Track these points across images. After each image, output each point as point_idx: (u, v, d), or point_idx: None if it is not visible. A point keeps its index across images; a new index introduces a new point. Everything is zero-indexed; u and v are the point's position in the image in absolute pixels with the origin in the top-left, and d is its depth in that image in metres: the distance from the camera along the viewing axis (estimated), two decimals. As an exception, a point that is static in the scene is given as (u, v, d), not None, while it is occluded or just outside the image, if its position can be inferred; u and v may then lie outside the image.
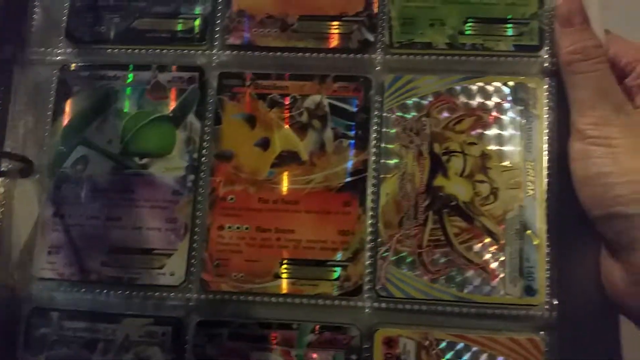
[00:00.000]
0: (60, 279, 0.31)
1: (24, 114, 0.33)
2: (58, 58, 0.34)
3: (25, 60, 0.34)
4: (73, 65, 0.33)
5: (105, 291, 0.31)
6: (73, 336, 0.31)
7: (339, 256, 0.30)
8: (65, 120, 0.33)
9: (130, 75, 0.32)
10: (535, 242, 0.30)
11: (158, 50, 0.33)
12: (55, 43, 0.34)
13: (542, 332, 0.29)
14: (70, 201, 0.32)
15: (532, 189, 0.31)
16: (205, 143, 0.32)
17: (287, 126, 0.32)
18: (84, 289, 0.31)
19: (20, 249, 0.32)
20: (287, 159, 0.32)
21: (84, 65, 0.33)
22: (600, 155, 0.28)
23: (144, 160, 0.32)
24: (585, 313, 0.31)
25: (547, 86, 0.31)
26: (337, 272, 0.30)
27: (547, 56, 0.31)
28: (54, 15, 0.34)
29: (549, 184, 0.31)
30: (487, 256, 0.30)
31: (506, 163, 0.31)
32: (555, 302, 0.30)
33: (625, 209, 0.26)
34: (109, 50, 0.33)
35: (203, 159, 0.32)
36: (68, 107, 0.33)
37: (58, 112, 0.33)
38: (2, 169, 0.32)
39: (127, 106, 0.32)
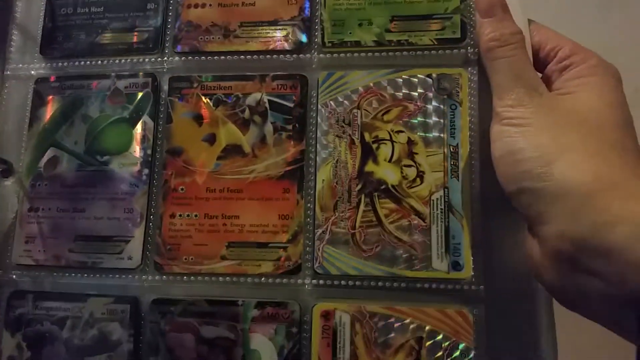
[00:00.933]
0: (36, 264, 0.34)
1: (3, 124, 0.37)
2: (33, 72, 0.37)
3: (5, 76, 0.38)
4: (46, 77, 0.37)
5: (72, 274, 0.34)
6: (46, 315, 0.34)
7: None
8: (40, 125, 0.36)
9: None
10: (460, 221, 0.32)
11: (117, 60, 0.36)
12: (31, 59, 0.37)
13: (470, 305, 0.31)
14: (43, 196, 0.35)
15: (455, 172, 0.32)
16: (158, 140, 0.34)
17: (230, 122, 0.35)
18: (55, 273, 0.34)
19: (1, 240, 0.36)
20: (232, 152, 0.34)
21: (56, 77, 0.37)
22: (512, 135, 0.29)
23: (105, 158, 0.35)
24: (513, 286, 0.32)
25: (469, 75, 0.33)
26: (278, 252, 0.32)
27: (469, 47, 0.33)
28: (29, 35, 0.38)
29: (471, 166, 0.32)
30: (415, 235, 0.32)
31: (431, 148, 0.33)
32: (482, 277, 0.31)
33: (531, 184, 0.27)
34: (77, 62, 0.37)
35: (156, 154, 0.34)
36: (42, 114, 0.36)
37: (33, 119, 0.36)
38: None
39: (92, 110, 0.36)
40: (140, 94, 0.35)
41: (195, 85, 0.35)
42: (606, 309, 0.26)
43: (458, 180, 0.32)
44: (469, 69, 0.33)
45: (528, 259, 0.30)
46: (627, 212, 0.24)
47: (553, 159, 0.27)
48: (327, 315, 0.32)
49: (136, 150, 0.34)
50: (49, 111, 0.36)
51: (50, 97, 0.36)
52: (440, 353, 0.30)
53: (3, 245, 0.35)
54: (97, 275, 0.34)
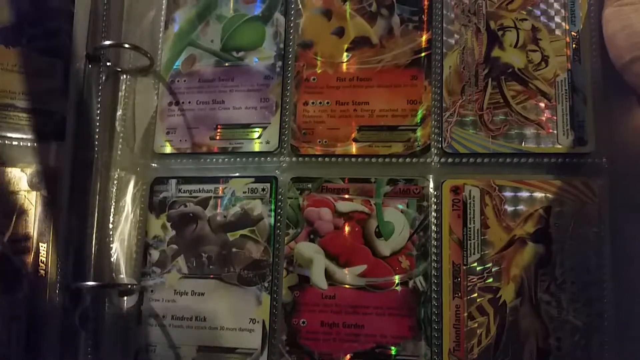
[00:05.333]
0: (177, 152, 0.37)
1: (136, 29, 0.38)
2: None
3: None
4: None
5: (214, 159, 0.36)
6: (189, 197, 0.36)
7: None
8: (175, 27, 0.38)
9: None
10: (583, 100, 0.32)
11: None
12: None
13: (594, 177, 0.31)
14: (183, 91, 0.37)
15: (577, 55, 0.33)
16: (290, 35, 0.36)
17: (358, 16, 0.36)
18: (196, 159, 0.36)
19: (142, 133, 0.38)
20: (360, 43, 0.35)
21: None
22: (625, 12, 0.29)
23: (241, 54, 0.36)
24: (633, 159, 0.33)
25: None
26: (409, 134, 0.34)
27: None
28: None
29: (592, 50, 0.33)
30: (541, 114, 0.33)
31: (554, 34, 0.33)
32: (604, 150, 0.32)
33: None
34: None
35: (289, 48, 0.36)
36: (176, 17, 0.38)
37: (169, 21, 0.38)
38: (126, 67, 0.38)
39: (225, 11, 0.37)
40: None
41: (324, -18, 0.37)
42: None
43: (580, 62, 0.33)
44: (589, -40, 0.34)
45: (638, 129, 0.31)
46: None
47: None
48: (456, 190, 0.33)
49: (269, 45, 0.36)
50: (184, 14, 0.38)
51: (185, 0, 0.39)
52: (566, 220, 0.32)
53: (145, 137, 0.38)
54: (238, 159, 0.36)
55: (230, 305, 0.33)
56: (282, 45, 0.36)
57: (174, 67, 0.37)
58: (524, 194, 0.32)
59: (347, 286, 0.33)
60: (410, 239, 0.33)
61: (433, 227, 0.32)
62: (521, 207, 0.32)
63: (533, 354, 0.30)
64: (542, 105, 0.33)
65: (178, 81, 0.37)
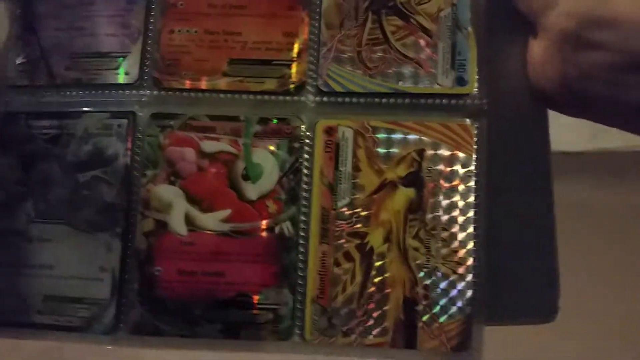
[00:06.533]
0: (29, 85, 0.32)
1: None
2: None
3: None
4: None
5: (68, 92, 0.32)
6: (39, 133, 0.32)
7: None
8: (29, -58, 0.35)
9: None
10: (466, 37, 0.30)
11: None
12: None
13: (472, 118, 0.30)
14: (39, 17, 0.33)
15: None
16: (156, -46, 0.33)
17: (233, -61, 0.33)
18: (49, 92, 0.32)
19: (-8, 63, 0.35)
20: None
21: None
22: None
23: (101, -26, 0.34)
24: (515, 104, 0.32)
25: None
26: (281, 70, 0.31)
27: None
28: None
29: None
30: (422, 51, 0.31)
31: (439, -34, 0.32)
32: (485, 91, 0.30)
33: None
34: None
35: (155, -31, 0.33)
36: None
37: None
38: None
39: None
40: None
41: None
42: (611, 92, 0.26)
43: (466, -3, 0.32)
44: None
45: (532, 67, 0.30)
46: None
47: None
48: (330, 131, 0.31)
49: (133, -35, 0.33)
50: None
51: None
52: (440, 164, 0.30)
53: (-4, 68, 0.34)
54: (94, 92, 0.32)
55: (79, 253, 0.30)
56: (147, -34, 0.33)
57: (27, -12, 0.34)
58: (398, 136, 0.30)
59: (209, 232, 0.30)
60: (279, 182, 0.30)
61: (304, 170, 0.31)
62: (394, 149, 0.30)
63: (399, 302, 0.29)
64: (423, 42, 0.31)
65: (35, 6, 0.33)
